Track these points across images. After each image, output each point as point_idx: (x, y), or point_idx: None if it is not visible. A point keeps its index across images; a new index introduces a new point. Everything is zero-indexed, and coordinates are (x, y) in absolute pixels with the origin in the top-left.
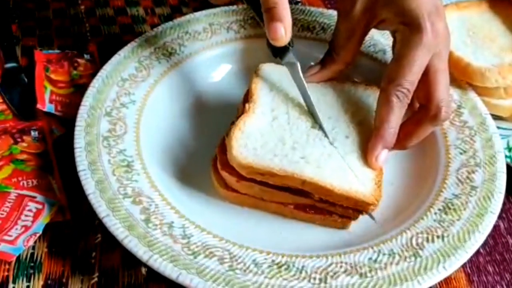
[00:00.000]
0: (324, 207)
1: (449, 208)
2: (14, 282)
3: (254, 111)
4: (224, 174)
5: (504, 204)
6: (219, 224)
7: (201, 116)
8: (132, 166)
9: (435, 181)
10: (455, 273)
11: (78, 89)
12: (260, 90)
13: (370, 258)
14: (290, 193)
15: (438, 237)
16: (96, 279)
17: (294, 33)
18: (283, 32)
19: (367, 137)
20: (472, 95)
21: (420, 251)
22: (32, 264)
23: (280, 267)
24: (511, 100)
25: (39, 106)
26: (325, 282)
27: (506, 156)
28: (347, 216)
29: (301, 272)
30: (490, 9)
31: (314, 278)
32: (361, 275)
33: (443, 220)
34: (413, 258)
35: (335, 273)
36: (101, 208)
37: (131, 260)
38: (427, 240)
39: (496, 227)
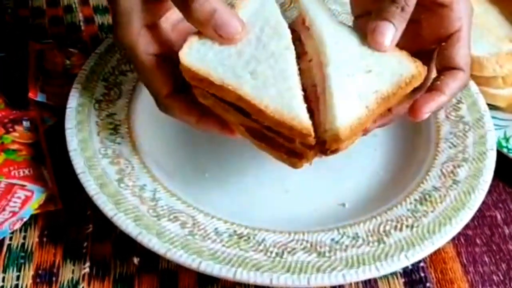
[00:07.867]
0: (271, 135)
1: (426, 200)
2: (4, 271)
3: None
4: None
5: (500, 195)
6: (193, 193)
7: None
8: (118, 129)
9: (418, 172)
10: (451, 262)
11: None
12: (244, 6)
13: (332, 239)
14: (239, 112)
15: (407, 226)
16: (87, 269)
17: None
18: None
19: (370, 85)
20: (474, 90)
21: (385, 238)
22: (22, 254)
23: (240, 237)
24: (508, 89)
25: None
26: (281, 257)
27: (503, 147)
28: (293, 151)
29: (259, 245)
30: None
31: (271, 252)
32: (319, 254)
33: (416, 211)
34: (376, 244)
35: (293, 249)
36: (78, 165)
37: (123, 251)
38: (395, 228)
39: (493, 218)
